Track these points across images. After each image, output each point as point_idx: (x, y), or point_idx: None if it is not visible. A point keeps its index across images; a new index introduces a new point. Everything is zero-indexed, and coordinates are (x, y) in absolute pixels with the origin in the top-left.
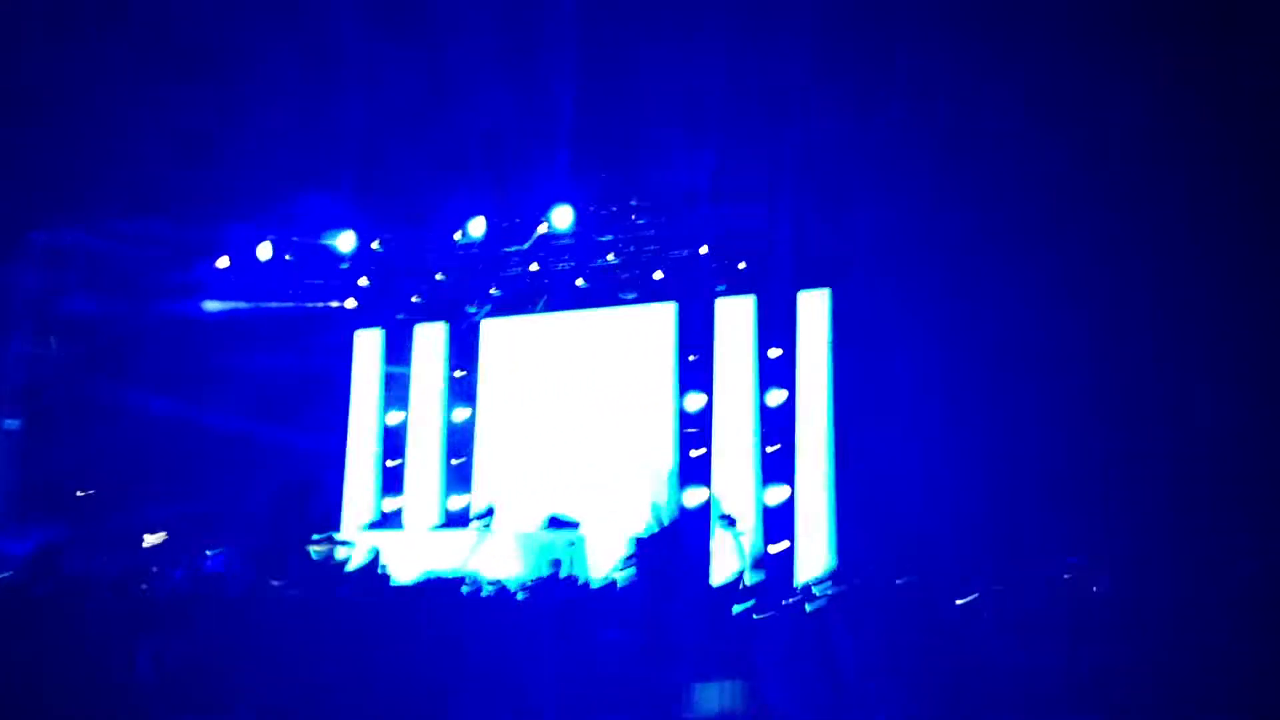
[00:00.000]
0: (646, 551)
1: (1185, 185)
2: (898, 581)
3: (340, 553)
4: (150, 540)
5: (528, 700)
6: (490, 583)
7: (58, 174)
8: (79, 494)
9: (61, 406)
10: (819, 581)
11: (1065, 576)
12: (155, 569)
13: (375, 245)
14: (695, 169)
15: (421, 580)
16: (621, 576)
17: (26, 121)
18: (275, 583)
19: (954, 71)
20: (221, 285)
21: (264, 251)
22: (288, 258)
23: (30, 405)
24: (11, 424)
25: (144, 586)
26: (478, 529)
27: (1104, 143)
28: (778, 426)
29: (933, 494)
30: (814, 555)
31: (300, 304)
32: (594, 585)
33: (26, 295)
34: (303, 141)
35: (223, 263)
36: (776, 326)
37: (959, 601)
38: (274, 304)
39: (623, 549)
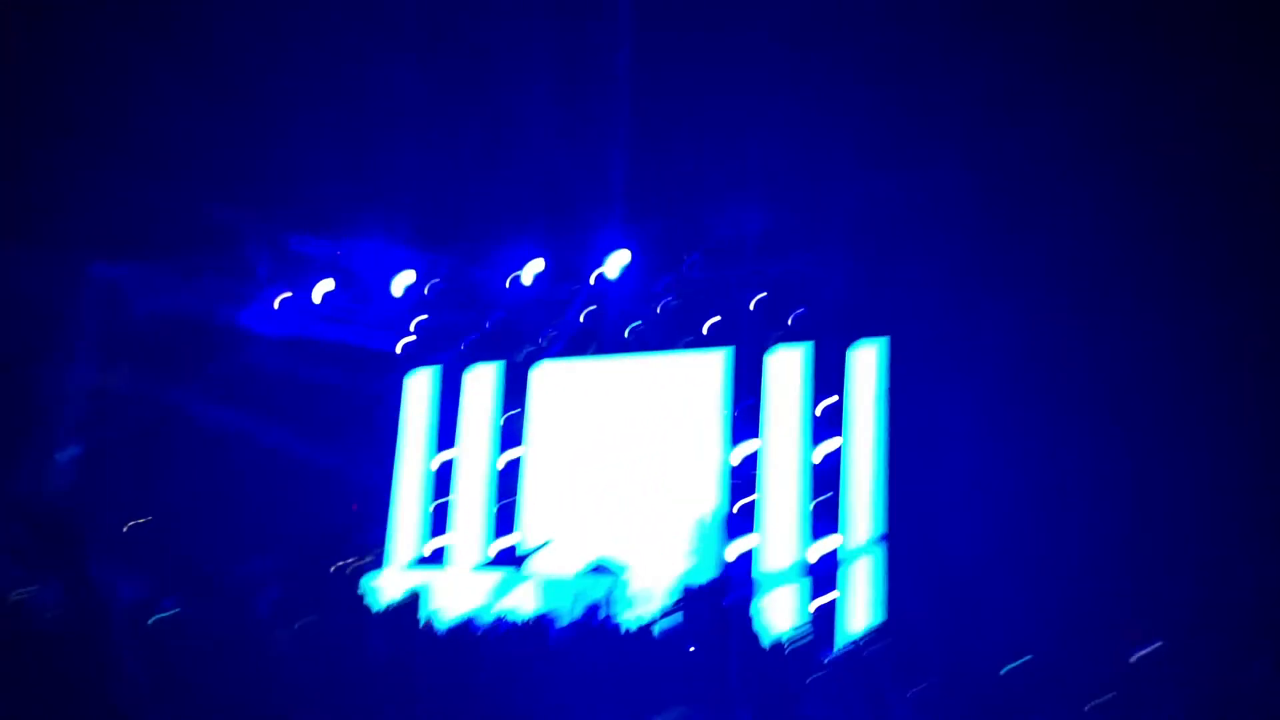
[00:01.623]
0: (691, 601)
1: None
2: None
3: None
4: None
5: None
6: (527, 625)
7: (122, 208)
8: (131, 523)
9: (121, 436)
10: (866, 637)
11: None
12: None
13: (429, 286)
14: (750, 217)
15: (459, 621)
16: (662, 624)
17: (86, 154)
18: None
19: (1009, 119)
20: (279, 322)
21: (322, 289)
22: (343, 294)
23: (90, 434)
24: (71, 452)
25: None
26: (517, 571)
27: (1170, 180)
28: (828, 477)
29: (985, 549)
30: (861, 608)
31: (356, 342)
32: (634, 632)
33: (86, 328)
34: (361, 182)
35: (280, 299)
36: (829, 376)
37: (1005, 669)
38: (330, 341)
39: (665, 598)
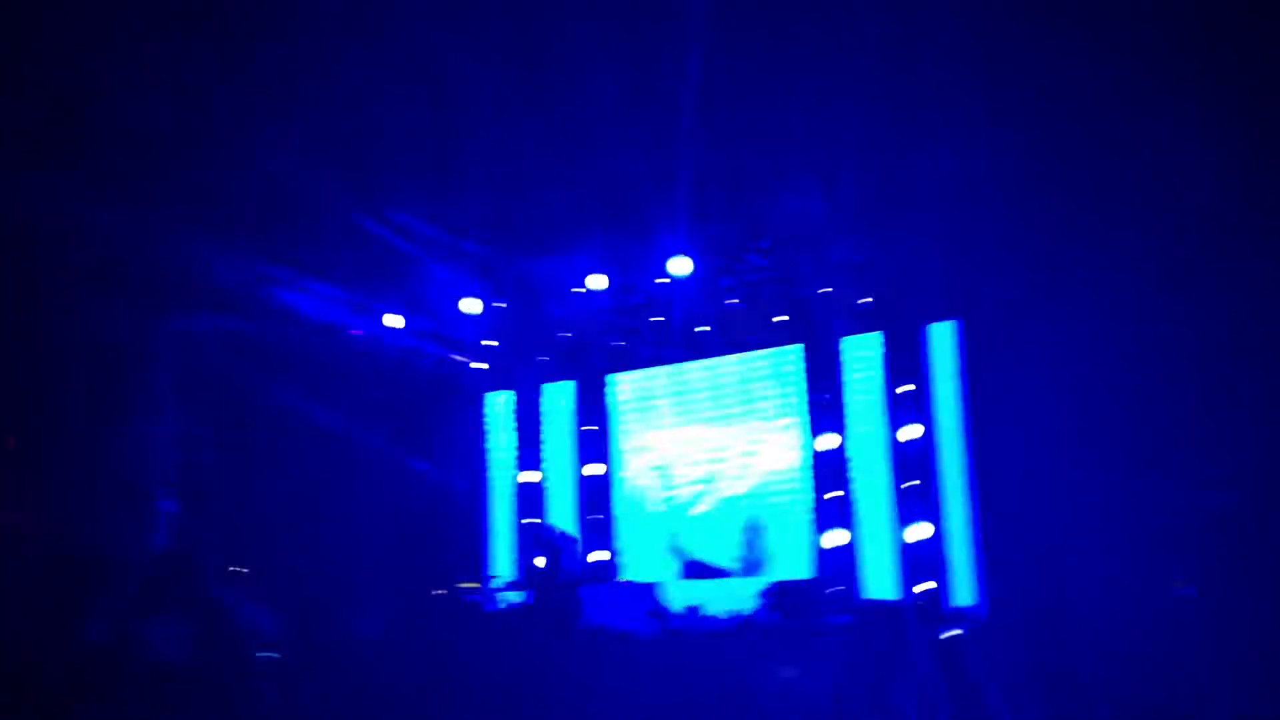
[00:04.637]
0: (784, 595)
1: None
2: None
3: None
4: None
5: None
6: (627, 630)
7: (188, 258)
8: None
9: (209, 485)
10: (963, 616)
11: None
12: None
13: (498, 306)
14: (813, 208)
15: (557, 632)
16: (758, 618)
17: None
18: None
19: (1079, 97)
20: (355, 355)
21: (392, 321)
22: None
23: (181, 486)
24: (168, 506)
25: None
26: (610, 581)
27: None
28: (914, 463)
29: (1079, 526)
30: (958, 592)
31: (431, 368)
32: (732, 628)
33: (168, 379)
34: (431, 193)
35: (356, 331)
36: (906, 362)
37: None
38: (404, 369)
39: (759, 594)
